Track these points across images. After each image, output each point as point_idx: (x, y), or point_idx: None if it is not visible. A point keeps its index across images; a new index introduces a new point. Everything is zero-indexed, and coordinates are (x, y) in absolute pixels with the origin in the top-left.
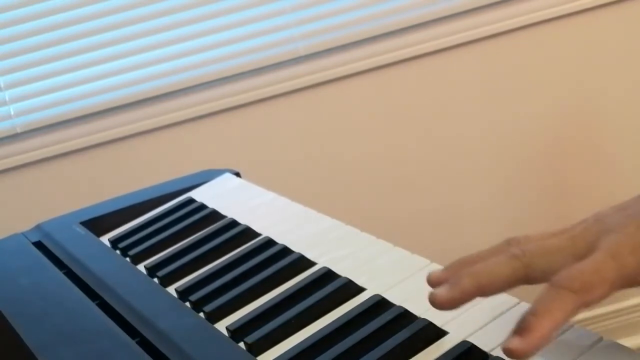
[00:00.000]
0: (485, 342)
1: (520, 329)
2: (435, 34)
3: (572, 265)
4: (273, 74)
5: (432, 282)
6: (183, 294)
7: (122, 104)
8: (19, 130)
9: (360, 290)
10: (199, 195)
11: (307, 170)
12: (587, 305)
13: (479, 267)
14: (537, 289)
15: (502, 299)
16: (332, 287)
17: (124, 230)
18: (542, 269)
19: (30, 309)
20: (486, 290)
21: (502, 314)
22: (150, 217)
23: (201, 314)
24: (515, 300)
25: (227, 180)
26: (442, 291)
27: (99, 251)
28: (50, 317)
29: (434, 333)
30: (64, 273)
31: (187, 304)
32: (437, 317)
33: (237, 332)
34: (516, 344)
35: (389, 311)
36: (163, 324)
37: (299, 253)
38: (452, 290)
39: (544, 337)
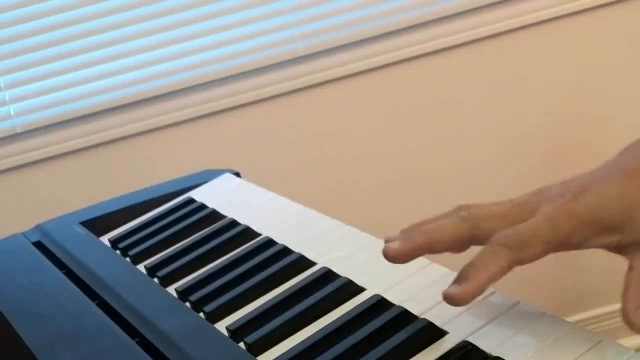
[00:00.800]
0: (485, 342)
1: (459, 278)
2: (435, 34)
3: (510, 227)
4: (273, 74)
5: (387, 240)
6: (183, 294)
7: (122, 104)
8: (19, 130)
9: (360, 290)
10: (199, 195)
11: (307, 170)
12: (521, 261)
13: (429, 226)
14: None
15: (502, 299)
16: (332, 287)
17: (124, 230)
18: (486, 231)
19: (30, 309)
20: (435, 246)
21: (502, 314)
22: (150, 217)
23: (201, 314)
24: (515, 300)
25: (227, 180)
26: (394, 244)
27: (99, 251)
28: (50, 317)
29: (434, 333)
30: (64, 273)
31: (187, 304)
32: (437, 317)
33: (237, 332)
34: (454, 290)
35: (389, 311)
36: (163, 324)
37: (299, 253)
38: (403, 244)
39: (479, 286)
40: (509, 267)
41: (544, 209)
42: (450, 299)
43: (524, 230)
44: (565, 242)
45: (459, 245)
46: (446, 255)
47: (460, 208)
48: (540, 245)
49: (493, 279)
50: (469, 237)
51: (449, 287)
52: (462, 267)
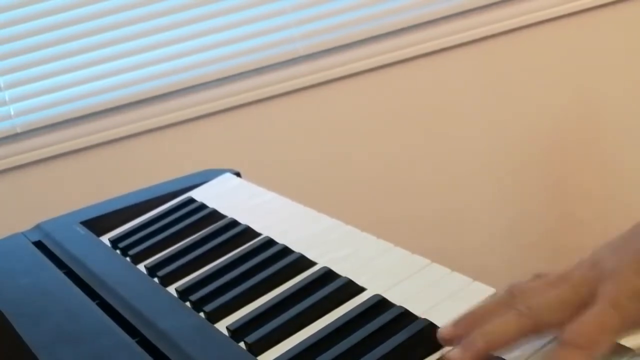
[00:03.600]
0: None
1: None
2: (435, 34)
3: (577, 320)
4: (273, 74)
5: (444, 339)
6: (183, 293)
7: (122, 104)
8: (19, 130)
9: (360, 290)
10: (199, 195)
11: (307, 169)
12: (594, 356)
13: (490, 328)
14: None
15: None
16: (332, 287)
17: (124, 230)
18: (549, 323)
19: (30, 309)
20: (497, 349)
21: None
22: (150, 217)
23: (201, 314)
24: None
25: (227, 180)
26: (457, 354)
27: (99, 251)
28: (50, 317)
29: (434, 333)
30: (64, 273)
31: (187, 303)
32: (437, 317)
33: (237, 332)
34: None
35: (389, 311)
36: (163, 324)
37: (299, 253)
38: (466, 353)
39: None
40: None
41: (604, 291)
42: None
43: (592, 324)
44: (636, 324)
45: (521, 340)
46: (446, 252)
47: (513, 295)
48: (612, 337)
49: None
50: (532, 333)
51: None
52: None
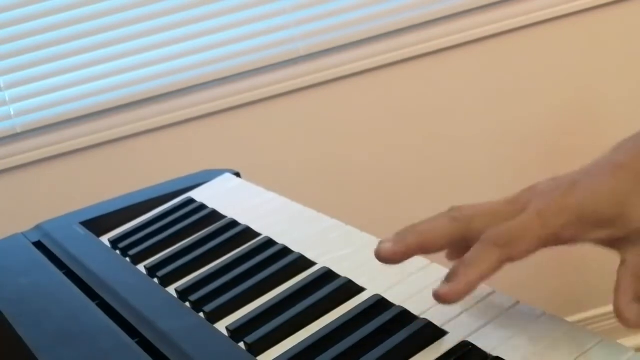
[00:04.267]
0: (485, 342)
1: (449, 276)
2: (435, 34)
3: (501, 224)
4: (273, 74)
5: (380, 241)
6: (183, 294)
7: (122, 104)
8: (19, 130)
9: (360, 290)
10: (199, 195)
11: (307, 170)
12: (512, 259)
13: (421, 226)
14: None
15: (502, 300)
16: (332, 287)
17: (124, 230)
18: (478, 229)
19: (30, 308)
20: (427, 246)
21: (501, 314)
22: (150, 217)
23: (201, 314)
24: (515, 300)
25: (227, 180)
26: (386, 245)
27: (99, 251)
28: (50, 317)
29: (434, 333)
30: (64, 273)
31: (187, 304)
32: (437, 317)
33: (237, 332)
34: (444, 289)
35: (389, 311)
36: (163, 324)
37: (299, 253)
38: (396, 244)
39: (469, 284)
40: (500, 265)
41: (534, 205)
42: (440, 297)
43: (514, 227)
44: (556, 237)
45: (452, 245)
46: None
47: (452, 209)
48: (531, 241)
49: (483, 276)
50: (461, 237)
51: (440, 286)
52: (452, 265)
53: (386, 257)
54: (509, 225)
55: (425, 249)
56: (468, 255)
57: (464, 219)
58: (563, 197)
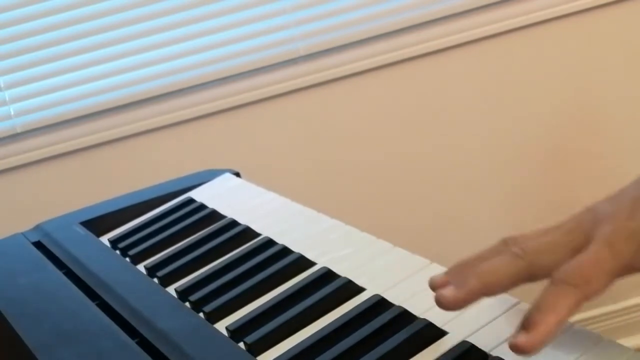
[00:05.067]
0: (485, 342)
1: (526, 325)
2: (435, 34)
3: (571, 260)
4: (273, 74)
5: (436, 284)
6: (183, 294)
7: (122, 104)
8: (19, 130)
9: (360, 290)
10: (199, 195)
11: (307, 170)
12: (589, 298)
13: (484, 267)
14: (536, 288)
15: (502, 299)
16: (332, 287)
17: (124, 230)
18: (544, 266)
19: (30, 309)
20: (491, 290)
21: (502, 314)
22: (150, 217)
23: (201, 314)
24: (515, 300)
25: (227, 180)
26: (448, 292)
27: (99, 251)
28: (50, 317)
29: (434, 333)
30: (64, 273)
31: (187, 304)
32: (437, 317)
33: (237, 332)
34: (523, 339)
35: (389, 311)
36: (163, 324)
37: (299, 253)
38: (459, 291)
39: (549, 332)
40: (577, 307)
41: (600, 233)
42: (518, 348)
43: (586, 263)
44: (630, 266)
45: (515, 285)
46: (446, 254)
47: (508, 243)
48: (605, 276)
49: (562, 322)
50: (527, 276)
51: (516, 334)
52: (527, 311)
53: (448, 305)
54: (581, 262)
55: (488, 293)
56: (543, 299)
57: (527, 256)
58: (629, 220)
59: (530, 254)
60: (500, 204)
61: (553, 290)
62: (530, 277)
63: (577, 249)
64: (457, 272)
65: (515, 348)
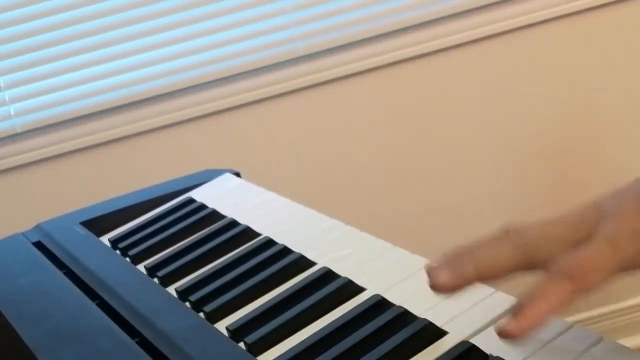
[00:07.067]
0: (485, 343)
1: (516, 311)
2: (435, 34)
3: (570, 253)
4: (273, 74)
5: (432, 268)
6: (183, 294)
7: (122, 104)
8: (19, 130)
9: (360, 290)
10: (199, 195)
11: (307, 170)
12: (584, 291)
13: (481, 254)
14: None
15: (502, 299)
16: (332, 287)
17: (124, 230)
18: (542, 257)
19: (29, 309)
20: (487, 276)
21: (502, 314)
22: (150, 217)
23: (201, 314)
24: (516, 300)
25: (227, 180)
26: (443, 275)
27: (99, 251)
28: (50, 317)
29: (434, 333)
30: (64, 273)
31: (187, 304)
32: (437, 317)
33: (237, 332)
34: (510, 325)
35: (389, 311)
36: (163, 324)
37: (299, 253)
38: (454, 275)
39: (537, 320)
40: (572, 298)
41: (603, 229)
42: (506, 333)
43: (585, 257)
44: (631, 264)
45: (511, 273)
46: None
47: (508, 231)
48: (604, 271)
49: (552, 312)
50: (525, 266)
51: (505, 320)
52: (519, 298)
53: (442, 288)
54: (580, 256)
55: (484, 279)
56: (536, 287)
57: (527, 245)
58: (634, 219)
59: (530, 245)
60: (500, 203)
61: (548, 279)
62: (527, 267)
63: (578, 244)
64: (455, 257)
65: (502, 333)
